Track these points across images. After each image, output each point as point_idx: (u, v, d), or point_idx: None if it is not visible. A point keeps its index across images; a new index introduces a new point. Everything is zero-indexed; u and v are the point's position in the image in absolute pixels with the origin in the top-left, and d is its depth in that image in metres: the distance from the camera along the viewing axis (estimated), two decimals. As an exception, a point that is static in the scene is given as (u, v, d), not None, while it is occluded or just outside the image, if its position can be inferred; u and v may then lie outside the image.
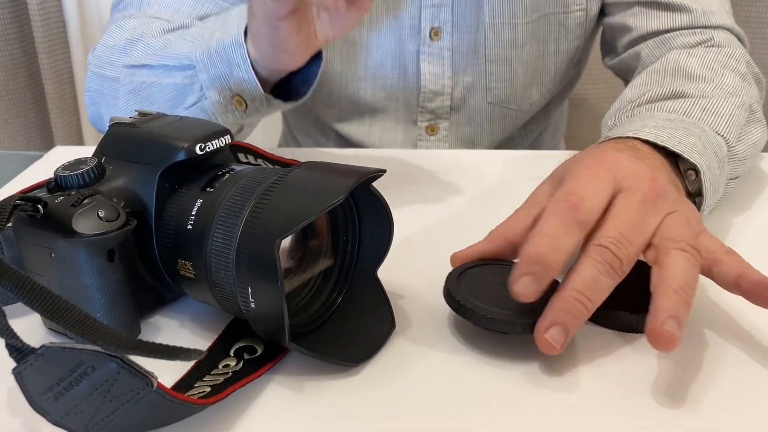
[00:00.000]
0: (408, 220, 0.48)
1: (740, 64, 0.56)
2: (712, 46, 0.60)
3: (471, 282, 0.37)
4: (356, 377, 0.33)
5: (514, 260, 0.39)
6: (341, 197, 0.30)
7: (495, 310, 0.35)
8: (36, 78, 1.19)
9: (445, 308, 0.37)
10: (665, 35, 0.62)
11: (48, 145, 1.24)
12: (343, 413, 0.30)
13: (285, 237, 0.29)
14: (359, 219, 0.36)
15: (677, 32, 0.61)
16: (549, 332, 0.31)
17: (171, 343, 0.26)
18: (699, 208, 0.44)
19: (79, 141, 1.27)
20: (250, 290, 0.30)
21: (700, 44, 0.60)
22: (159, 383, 0.26)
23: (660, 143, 0.42)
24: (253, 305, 0.30)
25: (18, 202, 0.30)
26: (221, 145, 0.35)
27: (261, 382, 0.32)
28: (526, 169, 0.57)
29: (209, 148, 0.35)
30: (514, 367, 0.33)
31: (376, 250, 0.36)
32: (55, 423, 0.26)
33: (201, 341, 0.35)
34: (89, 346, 0.24)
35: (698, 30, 0.61)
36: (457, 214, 0.50)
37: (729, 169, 0.48)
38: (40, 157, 0.60)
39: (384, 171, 0.32)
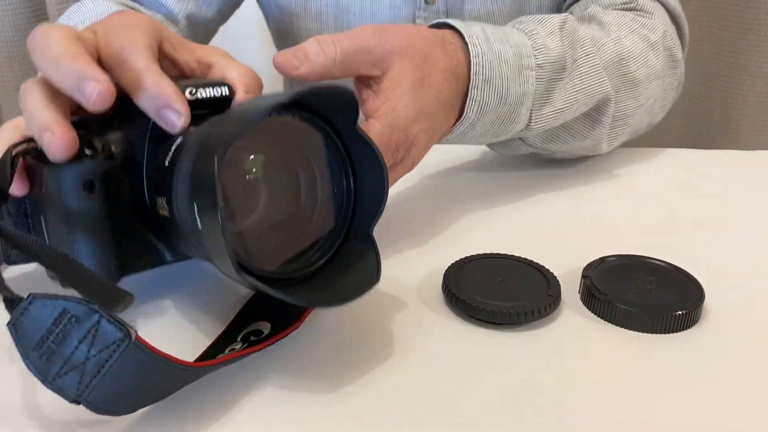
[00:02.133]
0: (410, 214, 0.49)
1: (653, 33, 0.57)
2: (632, 9, 0.60)
3: (469, 275, 0.39)
4: (349, 372, 0.34)
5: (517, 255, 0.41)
6: (283, 100, 0.30)
7: (491, 303, 0.36)
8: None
9: (442, 301, 0.38)
10: None
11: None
12: (333, 410, 0.31)
13: (226, 148, 0.29)
14: (354, 175, 0.36)
15: None
16: None
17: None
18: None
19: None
20: (196, 208, 0.29)
21: (623, 4, 0.60)
22: (138, 336, 0.27)
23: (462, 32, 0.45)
24: (200, 226, 0.29)
25: (19, 146, 0.32)
26: (216, 94, 0.36)
27: (256, 373, 0.33)
28: (529, 166, 0.58)
29: (200, 94, 0.35)
30: (512, 362, 0.34)
31: (371, 206, 0.35)
32: (50, 387, 0.27)
33: (215, 325, 0.36)
34: (72, 295, 0.26)
35: None
36: (460, 208, 0.51)
37: (510, 137, 0.50)
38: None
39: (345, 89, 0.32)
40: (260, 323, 0.36)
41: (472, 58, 0.45)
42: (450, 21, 0.47)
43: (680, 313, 0.35)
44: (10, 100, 1.18)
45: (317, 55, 0.40)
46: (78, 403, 0.27)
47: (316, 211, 0.35)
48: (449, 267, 0.40)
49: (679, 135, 1.21)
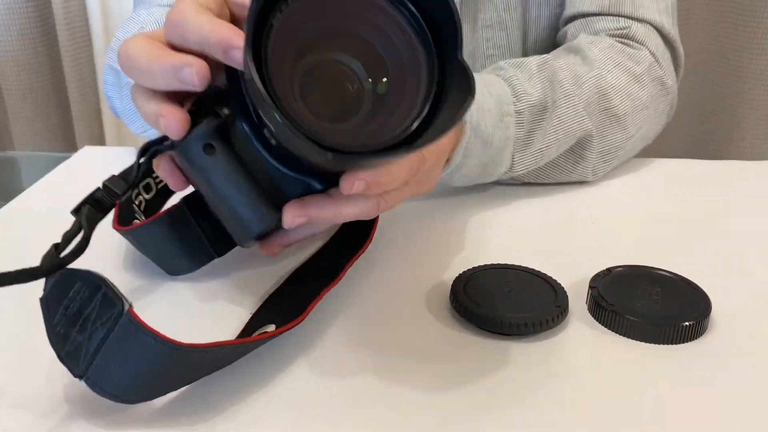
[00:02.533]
0: (422, 222, 0.50)
1: (638, 65, 0.58)
2: (625, 36, 0.61)
3: (477, 286, 0.39)
4: (355, 381, 0.34)
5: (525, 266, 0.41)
6: None
7: (499, 313, 0.36)
8: (59, 79, 1.22)
9: (450, 311, 0.39)
10: (589, 18, 0.63)
11: (70, 144, 1.27)
12: (339, 418, 0.32)
13: None
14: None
15: (601, 17, 0.62)
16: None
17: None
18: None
19: (101, 141, 1.30)
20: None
21: (615, 30, 0.61)
22: (131, 310, 0.27)
23: None
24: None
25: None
26: None
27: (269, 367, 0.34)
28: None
29: None
30: (520, 373, 0.35)
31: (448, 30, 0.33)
32: (62, 360, 0.28)
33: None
34: (87, 269, 0.27)
35: (622, 18, 0.62)
36: (468, 218, 0.51)
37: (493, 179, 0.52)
38: (64, 158, 0.62)
39: None
40: (267, 326, 0.36)
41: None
42: None
43: (687, 324, 0.36)
44: (18, 107, 1.19)
45: None
46: (81, 378, 0.28)
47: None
48: (457, 277, 0.40)
49: (684, 142, 1.21)
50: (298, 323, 0.35)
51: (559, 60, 0.55)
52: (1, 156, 0.83)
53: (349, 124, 0.33)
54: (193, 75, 0.33)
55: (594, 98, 0.54)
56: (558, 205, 0.53)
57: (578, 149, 0.55)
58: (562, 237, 0.48)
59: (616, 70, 0.56)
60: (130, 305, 0.28)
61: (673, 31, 0.64)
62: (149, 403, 0.31)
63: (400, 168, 0.35)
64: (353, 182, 0.33)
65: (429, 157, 0.40)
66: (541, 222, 0.51)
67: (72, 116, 1.24)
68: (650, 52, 0.60)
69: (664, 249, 0.47)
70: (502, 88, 0.51)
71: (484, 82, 0.50)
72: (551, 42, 0.73)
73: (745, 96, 1.13)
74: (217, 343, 0.32)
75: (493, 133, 0.49)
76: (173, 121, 0.33)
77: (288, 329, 0.35)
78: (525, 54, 0.72)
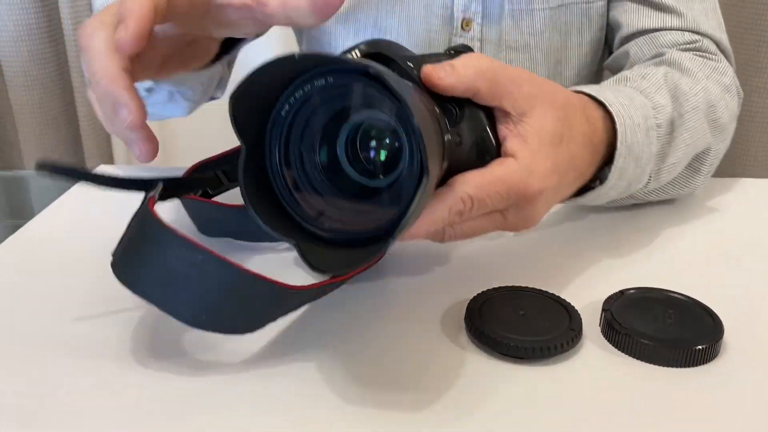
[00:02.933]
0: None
1: (725, 76, 0.58)
2: (698, 49, 0.62)
3: (491, 308, 0.39)
4: (369, 403, 0.35)
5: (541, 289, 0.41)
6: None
7: (513, 337, 0.37)
8: (68, 96, 1.23)
9: (465, 334, 0.39)
10: (654, 33, 0.64)
11: (79, 158, 1.28)
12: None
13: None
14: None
15: (666, 31, 0.63)
16: None
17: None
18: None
19: (109, 157, 1.31)
20: None
21: (687, 44, 0.62)
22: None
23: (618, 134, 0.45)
24: None
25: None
26: None
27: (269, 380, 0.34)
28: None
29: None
30: (533, 397, 0.35)
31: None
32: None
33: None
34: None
35: (687, 33, 0.63)
36: (482, 240, 0.51)
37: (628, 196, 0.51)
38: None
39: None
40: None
41: (618, 127, 0.45)
42: (584, 89, 0.47)
43: (700, 347, 0.36)
44: (27, 122, 1.20)
45: (465, 68, 0.37)
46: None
47: None
48: (472, 299, 0.40)
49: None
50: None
51: (672, 72, 0.54)
52: (11, 175, 0.84)
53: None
54: (126, 119, 0.34)
55: (707, 110, 0.54)
56: (571, 226, 0.54)
57: (696, 163, 0.54)
58: (576, 259, 0.49)
59: (710, 82, 0.56)
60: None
61: (729, 47, 0.65)
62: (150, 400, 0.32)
63: (428, 221, 0.35)
64: None
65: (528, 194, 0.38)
66: (555, 243, 0.51)
67: (80, 131, 1.25)
68: (726, 63, 0.61)
69: (676, 270, 0.47)
70: (642, 100, 0.49)
71: (624, 94, 0.48)
72: (594, 66, 0.74)
73: (749, 110, 1.14)
74: (310, 286, 0.36)
75: (642, 150, 0.47)
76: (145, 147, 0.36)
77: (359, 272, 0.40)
78: (551, 79, 0.72)
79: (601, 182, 0.46)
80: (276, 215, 0.35)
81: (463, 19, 0.68)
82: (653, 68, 0.55)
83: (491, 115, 0.39)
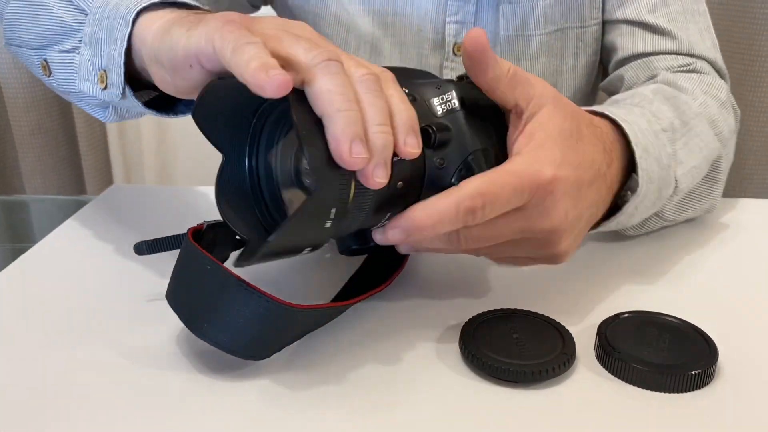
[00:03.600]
0: (433, 267, 0.50)
1: (720, 92, 0.59)
2: (693, 71, 0.62)
3: (485, 332, 0.39)
4: (363, 429, 0.34)
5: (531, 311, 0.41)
6: None
7: (507, 361, 0.37)
8: (68, 116, 1.24)
9: (459, 357, 0.39)
10: (649, 57, 0.65)
11: (78, 179, 1.28)
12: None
13: None
14: None
15: (661, 56, 0.64)
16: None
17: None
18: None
19: (108, 177, 1.31)
20: None
21: (681, 67, 0.63)
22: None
23: (638, 164, 0.44)
24: None
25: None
26: None
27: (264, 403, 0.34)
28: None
29: None
30: (527, 421, 0.35)
31: None
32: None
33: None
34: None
35: (681, 56, 0.64)
36: (477, 261, 0.51)
37: (660, 206, 0.50)
38: (74, 201, 0.63)
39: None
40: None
41: (626, 130, 0.45)
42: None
43: (694, 372, 0.36)
44: (27, 142, 1.20)
45: (494, 67, 0.38)
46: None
47: None
48: (466, 323, 0.40)
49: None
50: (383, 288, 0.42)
51: (664, 88, 0.55)
52: (12, 199, 0.84)
53: None
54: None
55: (709, 121, 0.54)
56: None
57: (713, 173, 0.54)
58: (572, 281, 0.49)
59: (709, 98, 0.57)
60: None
61: (724, 66, 0.66)
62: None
63: (432, 213, 0.35)
64: (386, 234, 0.36)
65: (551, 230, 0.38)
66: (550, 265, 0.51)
67: (80, 151, 1.26)
68: (721, 82, 0.61)
69: (672, 293, 0.47)
70: (639, 110, 0.49)
71: (624, 108, 0.48)
72: (588, 89, 0.75)
73: (744, 123, 1.14)
74: (324, 305, 0.38)
75: (660, 151, 0.47)
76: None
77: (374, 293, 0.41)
78: None
79: (633, 192, 0.45)
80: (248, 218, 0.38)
81: (455, 44, 0.69)
82: (642, 87, 0.55)
83: (490, 133, 0.39)
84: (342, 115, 0.31)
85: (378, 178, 0.32)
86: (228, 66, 0.32)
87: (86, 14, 0.46)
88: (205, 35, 0.34)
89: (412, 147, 0.33)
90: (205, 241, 0.41)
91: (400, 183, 0.36)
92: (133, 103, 0.45)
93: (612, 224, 0.47)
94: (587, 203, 0.41)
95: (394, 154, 0.33)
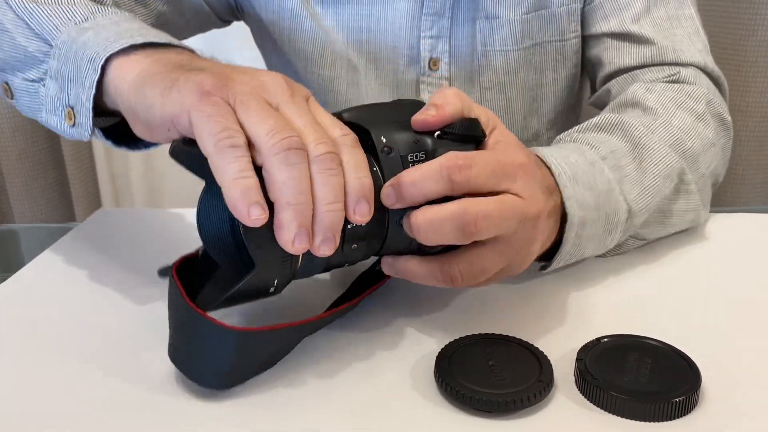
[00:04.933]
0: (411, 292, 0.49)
1: (698, 103, 0.57)
2: (676, 81, 0.61)
3: (461, 359, 0.38)
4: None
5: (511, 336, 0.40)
6: None
7: (482, 390, 0.35)
8: (54, 140, 1.23)
9: (435, 387, 0.38)
10: (634, 71, 0.64)
11: (66, 204, 1.27)
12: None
13: None
14: None
15: (647, 68, 0.63)
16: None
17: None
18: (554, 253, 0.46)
19: (97, 200, 1.30)
20: None
21: (666, 78, 0.62)
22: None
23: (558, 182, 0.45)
24: None
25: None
26: None
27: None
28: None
29: None
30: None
31: None
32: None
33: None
34: None
35: (666, 66, 0.63)
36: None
37: (621, 232, 0.49)
38: (63, 229, 0.62)
39: None
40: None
41: (551, 161, 0.45)
42: None
43: (677, 400, 0.34)
44: (14, 167, 1.19)
45: (444, 96, 0.40)
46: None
47: None
48: (441, 351, 0.39)
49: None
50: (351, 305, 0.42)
51: (621, 114, 0.54)
52: (1, 229, 0.84)
53: None
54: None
55: (670, 143, 0.53)
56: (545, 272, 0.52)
57: (682, 185, 0.53)
58: (552, 305, 0.47)
59: (680, 111, 0.56)
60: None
61: (716, 69, 0.64)
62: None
63: (417, 171, 0.37)
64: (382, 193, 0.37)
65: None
66: (529, 288, 0.49)
67: (68, 175, 1.25)
68: (705, 90, 0.60)
69: (653, 315, 0.45)
70: (573, 146, 0.49)
71: (553, 148, 0.49)
72: (571, 101, 0.74)
73: (735, 128, 1.14)
74: (275, 326, 0.37)
75: (594, 177, 0.47)
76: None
77: (339, 310, 0.41)
78: (528, 116, 0.73)
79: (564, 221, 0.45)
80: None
81: (431, 59, 0.68)
82: (592, 120, 0.54)
83: None
84: (291, 208, 0.33)
85: (323, 251, 0.34)
86: (209, 162, 0.33)
87: (51, 46, 0.46)
88: (180, 106, 0.35)
89: (361, 215, 0.35)
90: (202, 266, 0.40)
91: (354, 245, 0.38)
92: (102, 141, 0.46)
93: (561, 257, 0.46)
94: (542, 202, 0.41)
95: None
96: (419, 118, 0.39)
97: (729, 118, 0.61)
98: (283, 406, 0.37)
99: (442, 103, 0.39)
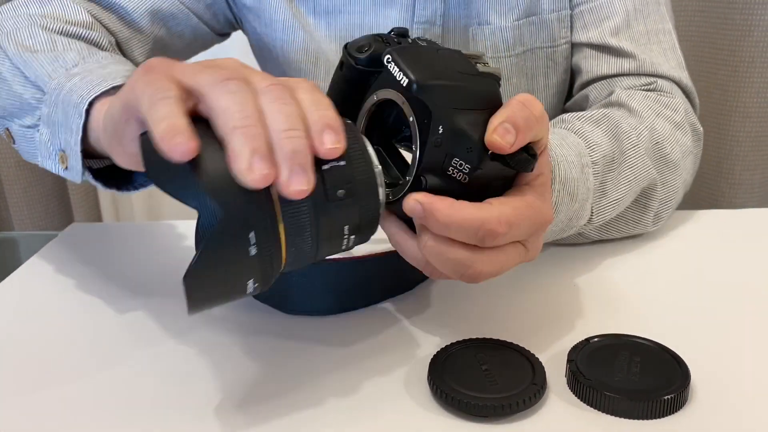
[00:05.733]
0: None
1: (676, 113, 0.59)
2: (653, 90, 0.63)
3: (454, 364, 0.38)
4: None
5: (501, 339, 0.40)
6: None
7: (475, 395, 0.35)
8: None
9: (428, 392, 0.38)
10: (612, 78, 0.65)
11: (66, 211, 1.28)
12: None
13: None
14: None
15: (624, 77, 0.65)
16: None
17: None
18: None
19: (96, 208, 1.31)
20: None
21: (642, 86, 0.63)
22: None
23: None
24: None
25: None
26: None
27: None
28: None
29: None
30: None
31: None
32: None
33: None
34: None
35: (643, 76, 0.64)
36: (445, 289, 0.51)
37: (572, 232, 0.51)
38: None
39: None
40: None
41: (556, 163, 0.45)
42: None
43: (667, 398, 0.35)
44: (12, 176, 1.20)
45: (527, 120, 0.35)
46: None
47: None
48: (434, 356, 0.39)
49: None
50: None
51: (613, 113, 0.55)
52: (1, 236, 0.84)
53: None
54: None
55: (651, 147, 0.55)
56: (535, 273, 0.52)
57: (642, 199, 0.55)
58: (542, 306, 0.48)
59: (659, 119, 0.58)
60: None
61: (690, 84, 0.66)
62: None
63: (454, 214, 0.33)
64: (407, 199, 0.34)
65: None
66: (519, 290, 0.50)
67: (67, 183, 1.25)
68: (681, 101, 0.62)
69: (642, 314, 0.46)
70: (575, 139, 0.50)
71: (558, 135, 0.49)
72: (560, 107, 0.75)
73: (730, 129, 1.14)
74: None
75: (578, 186, 0.47)
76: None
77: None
78: None
79: None
80: None
81: None
82: (594, 110, 0.55)
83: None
84: (238, 132, 0.29)
85: (295, 186, 0.29)
86: (145, 123, 0.30)
87: (44, 92, 0.47)
88: (129, 86, 0.33)
89: (331, 144, 0.30)
90: None
91: (341, 191, 0.32)
92: (92, 182, 0.46)
93: None
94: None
95: (336, 160, 0.31)
96: (496, 141, 0.34)
97: (701, 129, 0.63)
98: (275, 413, 0.37)
99: (524, 128, 0.34)
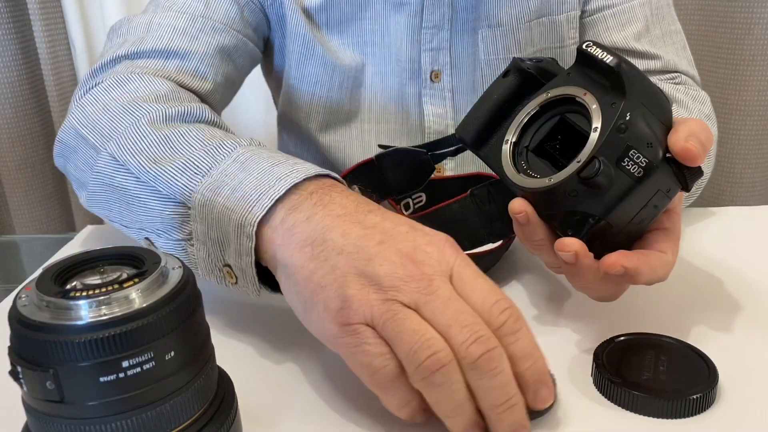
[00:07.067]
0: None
1: (704, 105, 0.62)
2: (679, 83, 0.66)
3: (622, 355, 0.39)
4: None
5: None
6: None
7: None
8: (53, 151, 1.23)
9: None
10: None
11: (66, 214, 1.27)
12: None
13: None
14: None
15: (649, 74, 0.67)
16: None
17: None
18: None
19: (97, 209, 1.30)
20: None
21: (667, 80, 0.67)
22: None
23: None
24: None
25: None
26: None
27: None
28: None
29: None
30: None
31: None
32: None
33: None
34: None
35: (667, 73, 0.68)
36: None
37: None
38: (63, 239, 0.62)
39: None
40: None
41: None
42: None
43: (694, 397, 0.35)
44: (13, 179, 1.19)
45: (708, 141, 0.38)
46: None
47: None
48: (599, 345, 0.39)
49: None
50: None
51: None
52: (3, 240, 0.83)
53: None
54: None
55: None
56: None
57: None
58: (568, 302, 0.48)
59: (697, 108, 0.61)
60: None
61: (700, 80, 0.70)
62: None
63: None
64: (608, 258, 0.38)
65: None
66: (545, 288, 0.50)
67: (67, 186, 1.25)
68: (705, 94, 0.66)
69: (668, 313, 0.46)
70: None
71: None
72: None
73: (731, 127, 1.15)
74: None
75: None
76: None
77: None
78: None
79: None
80: None
81: (432, 71, 0.69)
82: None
83: None
84: (448, 420, 0.32)
85: None
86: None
87: (188, 208, 0.41)
88: (321, 333, 0.35)
89: (543, 402, 0.33)
90: None
91: None
92: (270, 292, 0.40)
93: None
94: None
95: None
96: (693, 148, 0.36)
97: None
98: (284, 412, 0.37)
99: (707, 144, 0.36)
